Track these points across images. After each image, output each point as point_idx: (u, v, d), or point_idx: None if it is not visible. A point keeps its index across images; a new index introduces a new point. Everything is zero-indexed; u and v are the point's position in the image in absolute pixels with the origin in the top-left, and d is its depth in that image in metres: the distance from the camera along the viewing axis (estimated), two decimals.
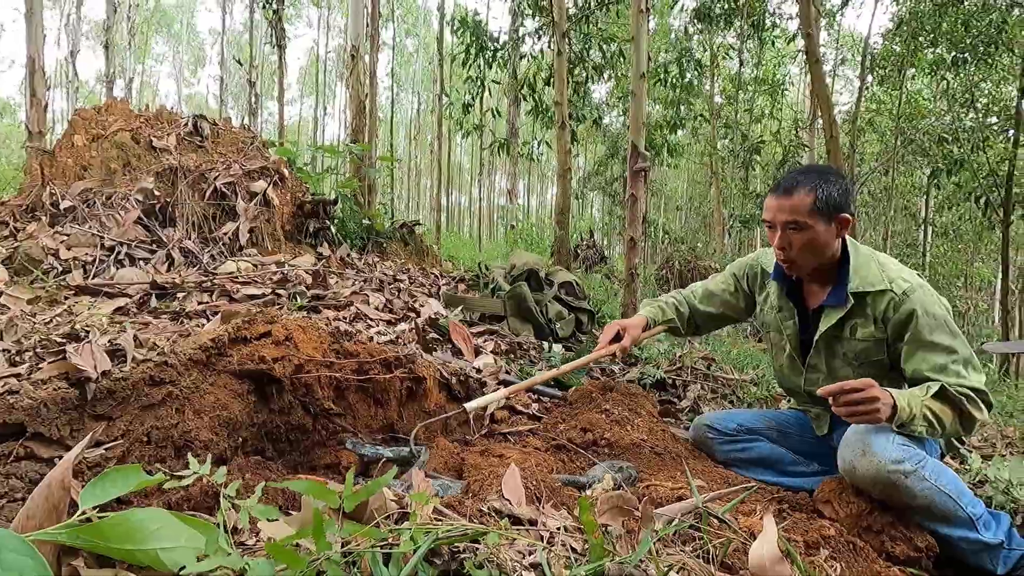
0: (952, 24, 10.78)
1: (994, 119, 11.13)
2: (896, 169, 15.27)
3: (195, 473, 0.72)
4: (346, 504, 0.62)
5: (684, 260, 8.41)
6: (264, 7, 12.50)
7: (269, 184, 2.97)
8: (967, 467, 2.65)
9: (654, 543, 0.97)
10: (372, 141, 5.86)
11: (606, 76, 11.39)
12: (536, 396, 2.34)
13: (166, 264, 2.44)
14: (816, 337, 1.78)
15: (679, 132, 11.69)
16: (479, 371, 2.34)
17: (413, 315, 2.78)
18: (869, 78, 13.85)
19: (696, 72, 10.47)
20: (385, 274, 3.45)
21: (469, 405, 1.72)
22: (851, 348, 1.74)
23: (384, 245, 4.15)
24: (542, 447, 1.89)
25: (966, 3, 10.41)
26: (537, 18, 9.73)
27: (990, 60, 10.96)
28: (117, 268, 2.32)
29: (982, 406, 1.58)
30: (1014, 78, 12.83)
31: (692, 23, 11.17)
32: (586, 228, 14.16)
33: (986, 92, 12.94)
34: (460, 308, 2.96)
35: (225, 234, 2.69)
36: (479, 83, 10.10)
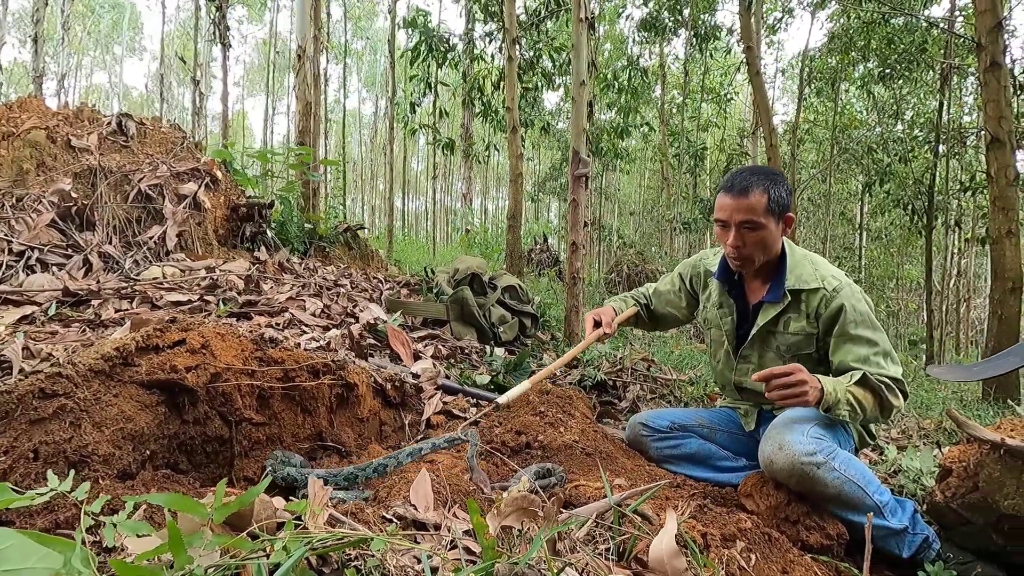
0: (879, 41, 11.50)
1: (919, 132, 11.90)
2: (833, 176, 16.11)
3: (52, 490, 0.67)
4: (216, 516, 0.59)
5: (632, 264, 8.61)
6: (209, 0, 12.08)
7: (200, 186, 2.85)
8: (884, 458, 2.81)
9: (568, 543, 0.99)
10: (316, 144, 5.73)
11: (557, 83, 11.55)
12: (474, 401, 2.33)
13: (83, 270, 2.30)
14: (753, 331, 1.87)
15: (627, 139, 11.96)
16: (416, 376, 2.32)
17: (352, 321, 2.73)
18: (807, 90, 14.58)
19: (642, 80, 10.75)
20: (326, 279, 3.38)
21: (501, 399, 1.72)
22: (784, 341, 1.84)
23: (327, 249, 4.06)
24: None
25: (892, 22, 11.11)
26: (488, 23, 9.78)
27: (912, 76, 11.74)
28: (27, 274, 2.16)
29: (899, 394, 1.69)
30: (936, 92, 13.81)
31: (638, 31, 11.46)
32: (542, 232, 14.27)
33: (912, 105, 13.84)
34: (401, 312, 2.92)
35: (150, 238, 2.56)
36: (425, 83, 10.05)
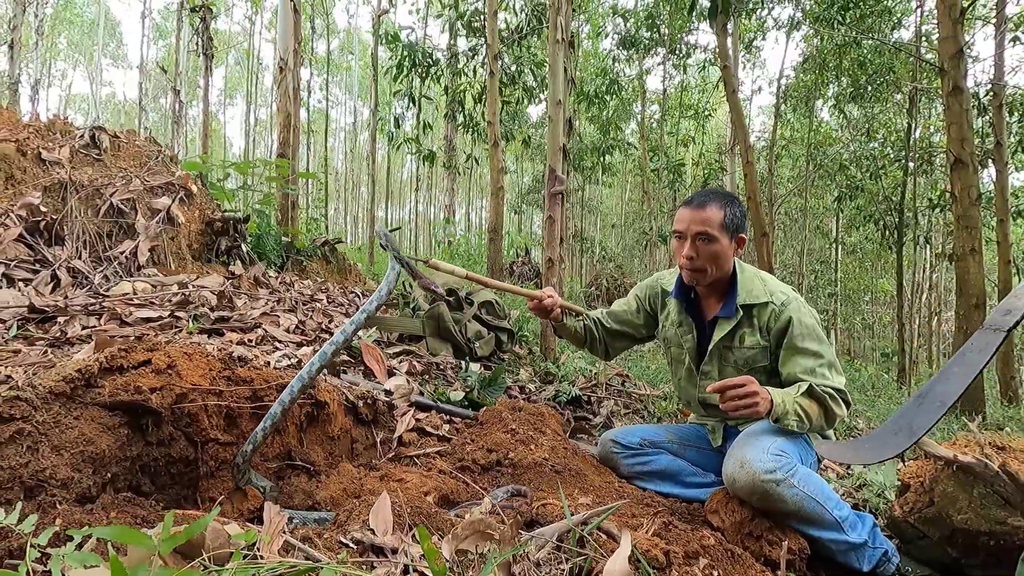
0: (851, 62, 11.90)
1: (889, 150, 12.25)
2: (809, 192, 16.49)
3: None
4: (163, 547, 0.60)
5: (611, 278, 8.67)
6: (191, 12, 12.03)
7: (173, 200, 2.83)
8: (850, 472, 2.88)
9: (525, 565, 1.00)
10: (297, 155, 5.72)
11: (540, 98, 11.70)
12: (448, 417, 2.34)
13: (50, 285, 2.27)
14: (710, 346, 1.94)
15: (609, 156, 12.14)
16: (389, 393, 2.32)
17: (326, 336, 2.72)
18: (783, 107, 14.96)
19: (617, 97, 10.94)
20: (302, 293, 3.36)
21: (433, 261, 1.72)
22: (741, 356, 1.91)
23: (304, 263, 4.04)
24: (447, 469, 1.90)
25: (864, 45, 11.49)
26: (470, 38, 9.88)
27: (881, 96, 12.15)
28: None
29: (842, 404, 1.76)
30: (904, 112, 14.28)
31: (618, 48, 11.67)
32: (525, 244, 14.33)
33: (883, 123, 14.27)
34: (376, 328, 2.92)
35: (122, 253, 2.53)
36: (409, 97, 10.11)
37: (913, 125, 10.08)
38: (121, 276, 2.46)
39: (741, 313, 1.88)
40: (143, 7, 22.01)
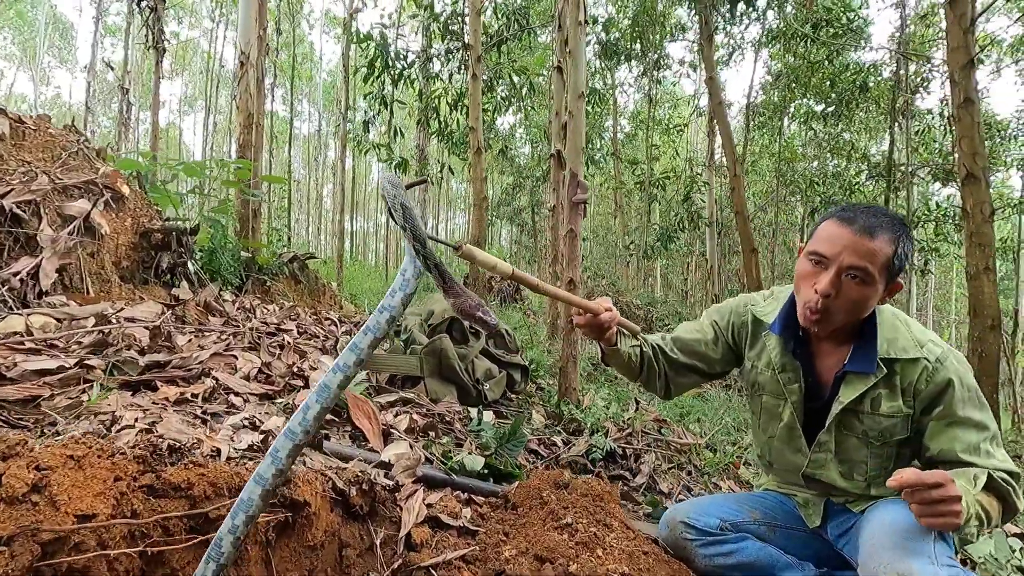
0: (820, 81, 11.96)
1: (863, 167, 12.32)
2: (778, 207, 16.59)
3: None
4: None
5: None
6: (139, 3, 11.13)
7: (94, 204, 2.15)
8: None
9: None
10: (259, 159, 5.02)
11: (517, 106, 11.28)
12: (467, 497, 1.75)
13: None
14: (835, 409, 1.45)
15: (585, 169, 11.83)
16: (388, 466, 1.71)
17: (300, 384, 2.09)
18: (751, 123, 15.03)
19: (600, 106, 10.63)
20: (265, 323, 2.71)
21: (467, 247, 1.13)
22: (874, 425, 1.43)
23: (268, 283, 3.37)
24: None
25: (835, 63, 11.56)
26: (446, 41, 9.37)
27: (848, 114, 12.23)
28: None
29: (1021, 494, 1.33)
30: (869, 130, 14.55)
31: (599, 59, 11.41)
32: (498, 257, 13.79)
33: (848, 141, 14.46)
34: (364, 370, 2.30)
35: (16, 275, 1.85)
36: (380, 101, 9.48)
37: (894, 141, 10.10)
38: (13, 307, 1.78)
39: (884, 370, 1.39)
40: (96, 9, 20.65)
